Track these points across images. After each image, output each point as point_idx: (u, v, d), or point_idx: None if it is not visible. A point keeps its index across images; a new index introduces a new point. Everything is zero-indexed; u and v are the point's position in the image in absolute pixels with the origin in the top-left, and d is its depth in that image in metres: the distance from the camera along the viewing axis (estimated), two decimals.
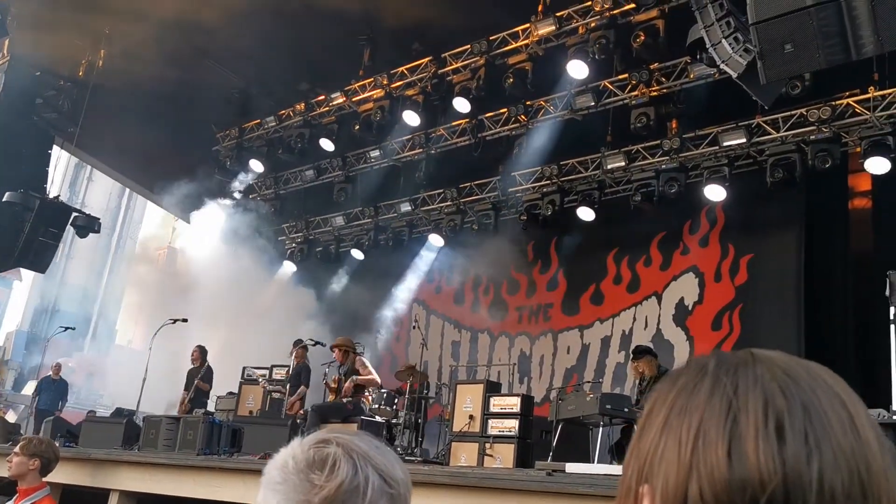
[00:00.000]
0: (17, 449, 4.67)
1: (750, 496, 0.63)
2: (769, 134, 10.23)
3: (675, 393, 0.71)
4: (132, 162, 13.47)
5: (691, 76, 10.30)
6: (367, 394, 9.68)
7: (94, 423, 9.63)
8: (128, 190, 17.03)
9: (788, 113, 9.99)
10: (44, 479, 4.71)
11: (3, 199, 11.75)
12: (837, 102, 9.66)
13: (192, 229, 17.15)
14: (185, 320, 10.90)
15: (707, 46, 7.22)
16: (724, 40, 7.01)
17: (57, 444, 5.11)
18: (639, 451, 0.71)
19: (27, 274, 13.85)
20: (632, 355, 8.90)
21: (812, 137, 9.87)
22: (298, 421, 8.88)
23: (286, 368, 11.11)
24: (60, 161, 12.82)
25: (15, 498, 4.65)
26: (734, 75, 7.02)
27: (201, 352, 11.61)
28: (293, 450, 1.01)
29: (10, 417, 15.10)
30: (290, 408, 10.72)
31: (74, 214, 12.63)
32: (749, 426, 0.64)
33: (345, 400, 9.50)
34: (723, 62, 7.06)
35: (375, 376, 9.56)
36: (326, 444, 1.02)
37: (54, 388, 13.53)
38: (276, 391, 10.98)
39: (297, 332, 14.10)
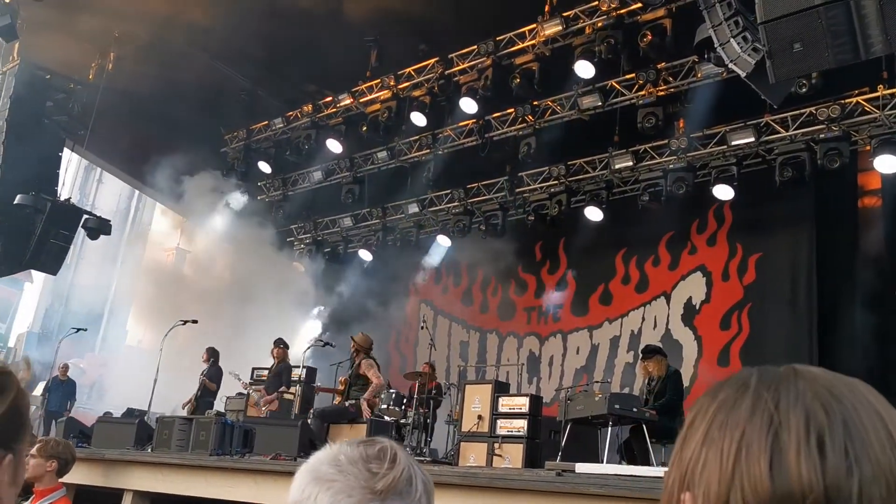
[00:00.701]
0: (33, 451, 4.67)
1: None
2: (778, 133, 10.21)
3: (715, 407, 0.74)
4: (141, 164, 13.52)
5: (699, 75, 10.28)
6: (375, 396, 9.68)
7: (107, 423, 9.69)
8: (137, 192, 17.11)
9: (797, 112, 9.98)
10: (59, 481, 4.74)
11: (15, 202, 11.82)
12: (847, 101, 9.64)
13: (201, 230, 17.21)
14: (195, 321, 10.96)
15: (715, 46, 7.21)
16: (732, 39, 7.01)
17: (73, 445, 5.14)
18: (680, 461, 0.74)
19: (38, 275, 13.90)
20: (641, 355, 8.90)
21: (821, 136, 9.85)
22: (310, 422, 8.91)
23: (295, 369, 11.12)
24: (71, 163, 12.86)
25: (31, 499, 4.68)
26: (743, 75, 7.02)
27: (210, 353, 11.68)
28: (339, 448, 1.03)
29: None
30: (269, 406, 10.64)
31: (85, 216, 12.69)
32: (791, 441, 0.67)
33: (347, 403, 9.48)
34: (731, 61, 7.05)
35: (378, 380, 9.54)
36: (375, 441, 1.05)
37: (62, 389, 13.61)
38: (258, 391, 10.96)
39: (305, 332, 14.16)
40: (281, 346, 11.22)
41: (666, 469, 0.80)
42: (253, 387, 11.13)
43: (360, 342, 9.82)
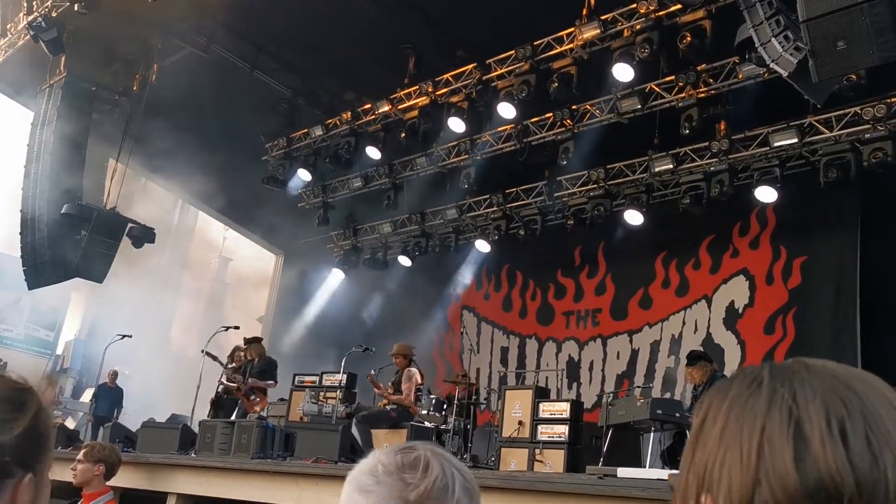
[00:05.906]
0: (80, 456, 4.76)
1: (824, 499, 0.64)
2: (822, 133, 10.02)
3: (727, 404, 0.72)
4: (184, 173, 13.75)
5: (740, 76, 10.12)
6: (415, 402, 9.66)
7: (151, 428, 9.84)
8: (180, 201, 17.41)
9: (842, 112, 9.78)
10: (107, 484, 4.83)
11: (62, 212, 12.09)
12: (893, 100, 9.43)
13: (243, 238, 17.46)
14: (237, 327, 11.08)
15: (756, 45, 7.11)
16: (773, 39, 6.90)
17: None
18: (695, 463, 0.72)
19: (85, 283, 14.18)
20: (686, 361, 8.79)
21: (867, 136, 9.65)
22: (353, 425, 8.89)
23: (336, 375, 11.03)
24: (116, 173, 13.14)
25: (80, 503, 4.78)
26: (785, 74, 6.91)
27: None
28: (378, 457, 1.06)
29: (70, 424, 15.49)
30: (254, 401, 10.16)
31: (130, 225, 12.93)
32: (814, 432, 0.66)
33: (388, 407, 9.49)
34: (773, 61, 6.94)
35: (406, 396, 9.43)
36: (413, 449, 1.07)
37: (111, 396, 13.83)
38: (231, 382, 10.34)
39: (346, 338, 14.25)
40: (255, 343, 10.77)
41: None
42: (226, 377, 10.41)
43: (401, 351, 9.82)
